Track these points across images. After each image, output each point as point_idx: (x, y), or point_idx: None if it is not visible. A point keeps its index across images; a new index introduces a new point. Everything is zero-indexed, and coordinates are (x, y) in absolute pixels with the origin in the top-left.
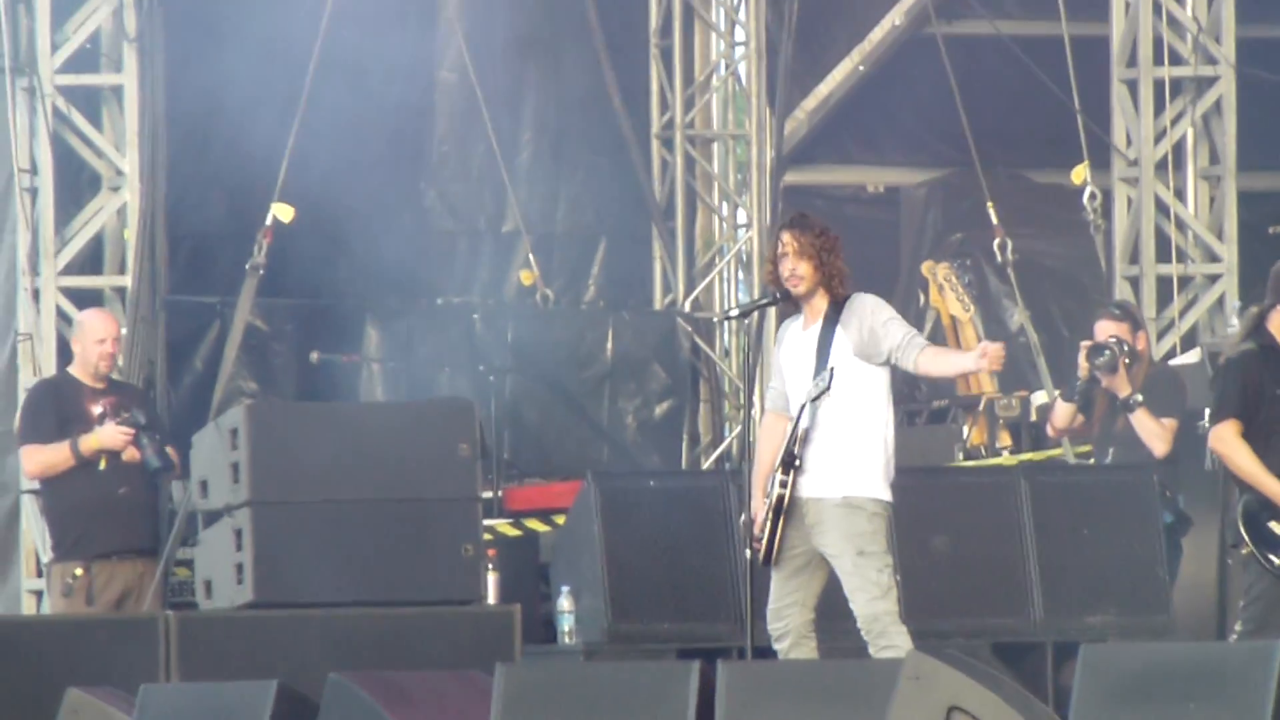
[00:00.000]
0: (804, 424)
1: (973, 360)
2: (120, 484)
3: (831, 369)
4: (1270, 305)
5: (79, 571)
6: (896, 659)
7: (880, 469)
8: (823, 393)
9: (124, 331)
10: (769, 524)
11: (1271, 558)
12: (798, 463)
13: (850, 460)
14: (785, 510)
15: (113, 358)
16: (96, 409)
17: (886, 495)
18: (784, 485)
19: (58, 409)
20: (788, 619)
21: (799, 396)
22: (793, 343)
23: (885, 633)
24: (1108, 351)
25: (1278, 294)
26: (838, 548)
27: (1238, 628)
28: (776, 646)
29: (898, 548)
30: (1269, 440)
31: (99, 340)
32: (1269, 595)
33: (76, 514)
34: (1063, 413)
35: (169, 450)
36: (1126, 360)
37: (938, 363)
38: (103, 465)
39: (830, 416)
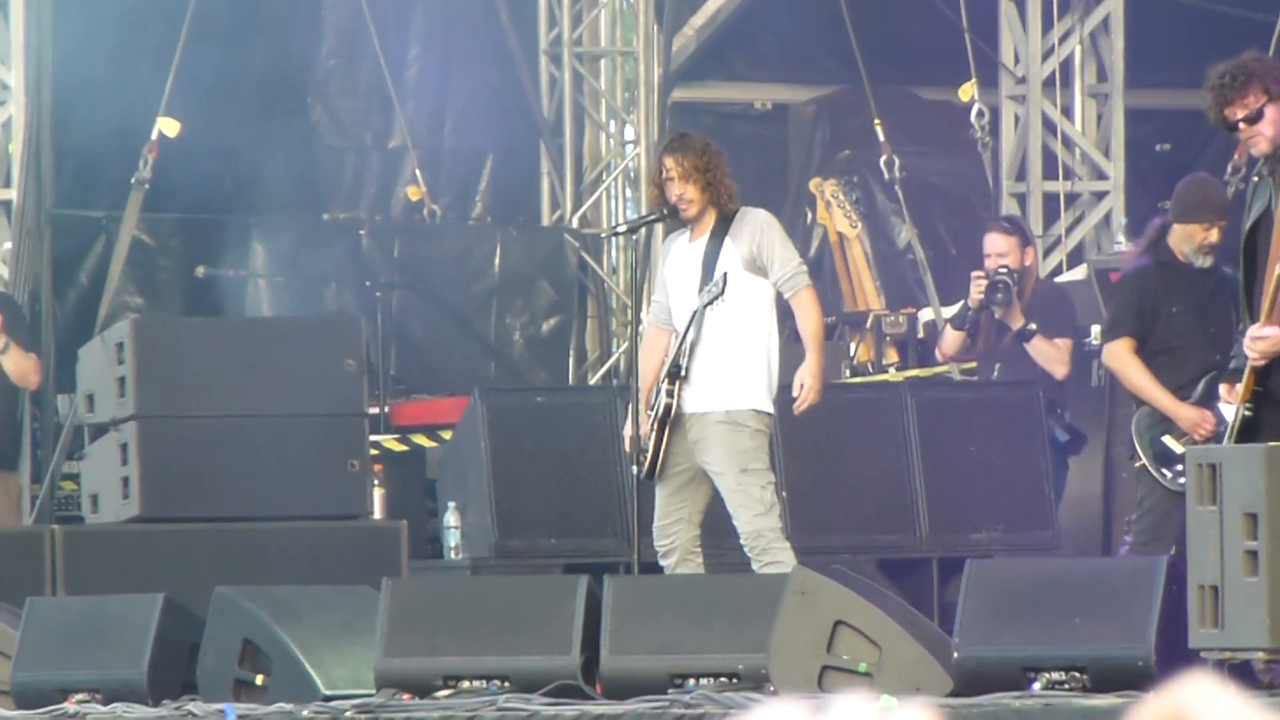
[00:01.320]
0: (690, 336)
1: (813, 363)
2: None
3: (725, 274)
4: (1171, 220)
5: None
6: (782, 574)
7: (764, 382)
8: (716, 298)
9: (7, 245)
10: (654, 436)
11: (1165, 471)
12: (684, 374)
13: (734, 374)
14: (670, 423)
15: None
16: None
17: (768, 407)
18: (670, 395)
19: None
20: (674, 535)
21: (684, 309)
22: (678, 256)
23: (769, 549)
24: (1001, 286)
25: (1176, 211)
26: (721, 465)
27: (1128, 539)
28: (663, 563)
29: (784, 464)
30: (1164, 357)
31: None
32: (1160, 508)
33: None
34: (952, 340)
35: (31, 356)
36: (1017, 290)
37: (803, 315)
38: None
39: (715, 329)
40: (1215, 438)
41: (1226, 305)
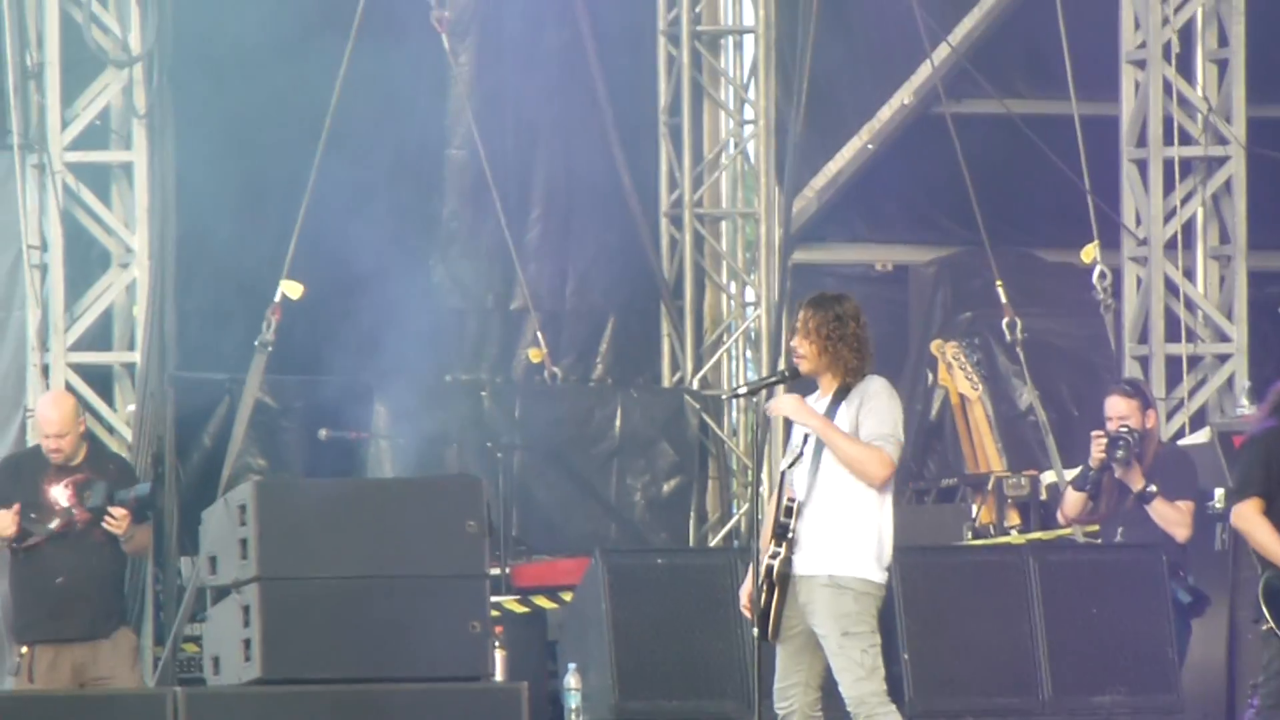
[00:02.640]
0: (799, 497)
1: (815, 418)
2: (58, 573)
3: (806, 436)
4: None
5: (24, 650)
6: None
7: (872, 549)
8: (796, 459)
9: (131, 408)
10: (764, 597)
11: None
12: (791, 535)
13: (840, 539)
14: (779, 584)
15: (61, 453)
16: (55, 488)
17: (876, 576)
18: (773, 557)
19: (15, 483)
20: (792, 699)
21: (800, 470)
22: None
23: (873, 714)
24: (1122, 444)
25: None
26: (825, 627)
27: (1254, 703)
28: None
29: (906, 626)
30: None
31: (45, 436)
32: None
33: (17, 596)
34: (1074, 501)
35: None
36: (1136, 451)
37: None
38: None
39: (824, 493)
40: None
41: None
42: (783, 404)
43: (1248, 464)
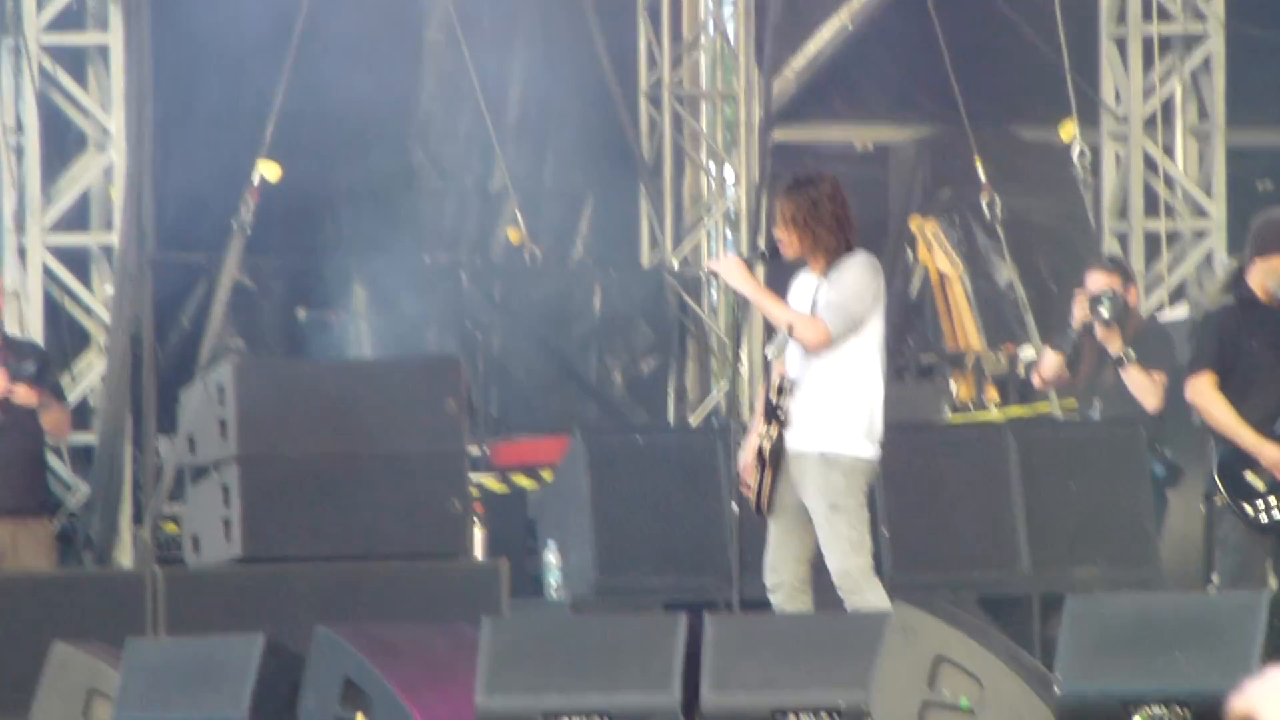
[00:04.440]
0: (791, 375)
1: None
2: None
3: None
4: (1249, 259)
5: None
6: (883, 610)
7: (862, 425)
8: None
9: (109, 290)
10: (757, 472)
11: (1246, 507)
12: (780, 414)
13: (830, 414)
14: (770, 461)
15: None
16: None
17: (867, 452)
18: (761, 436)
19: None
20: (782, 572)
21: (793, 346)
22: (797, 292)
23: (858, 588)
24: (1107, 300)
25: (1256, 248)
26: (814, 501)
27: (1215, 579)
28: (771, 599)
29: (885, 502)
30: (1245, 393)
31: None
32: (1245, 545)
33: None
34: (1051, 363)
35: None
36: (1121, 313)
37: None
38: None
39: (813, 369)
40: None
41: None
42: (721, 266)
43: (1201, 340)
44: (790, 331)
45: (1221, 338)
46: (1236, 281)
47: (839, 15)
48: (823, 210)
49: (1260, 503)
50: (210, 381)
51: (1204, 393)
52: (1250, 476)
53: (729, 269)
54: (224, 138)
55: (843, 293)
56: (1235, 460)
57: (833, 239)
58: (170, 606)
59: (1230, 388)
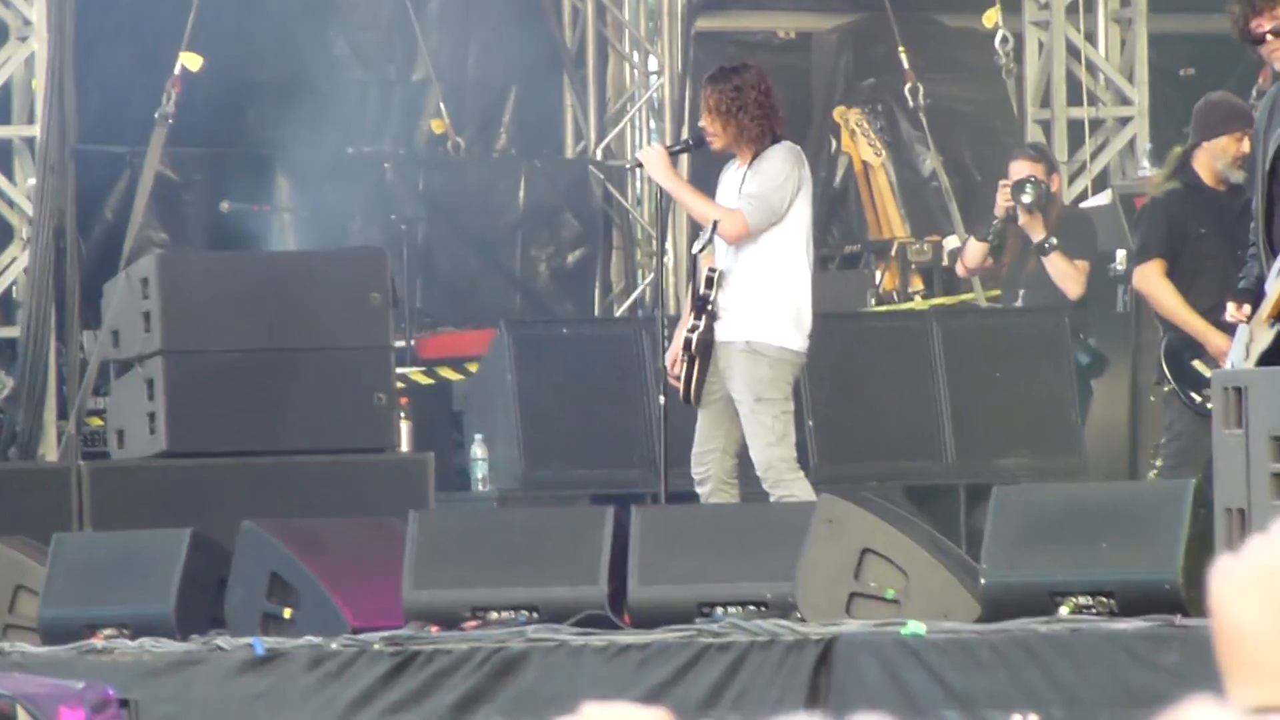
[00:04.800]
0: (719, 266)
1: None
2: None
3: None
4: (1195, 143)
5: None
6: (809, 502)
7: (789, 316)
8: (705, 245)
9: (31, 182)
10: (684, 363)
11: (1193, 395)
12: (710, 307)
13: (757, 305)
14: (698, 352)
15: None
16: None
17: (794, 343)
18: (691, 330)
19: None
20: (709, 464)
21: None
22: (724, 182)
23: (781, 480)
24: (1030, 187)
25: (1202, 129)
26: (740, 393)
27: (1157, 464)
28: (698, 490)
29: (810, 393)
30: (1193, 279)
31: None
32: (1189, 432)
33: None
34: (975, 251)
35: None
36: (1044, 200)
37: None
38: None
39: (741, 260)
40: None
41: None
42: (644, 157)
43: (1149, 226)
44: (710, 224)
45: (1169, 224)
46: (1182, 166)
47: None
48: (747, 99)
49: (1207, 390)
50: (134, 275)
51: (1152, 280)
52: (1197, 364)
53: (652, 160)
54: (146, 28)
55: (762, 184)
56: (1182, 348)
57: (757, 128)
58: (95, 501)
59: (1178, 274)
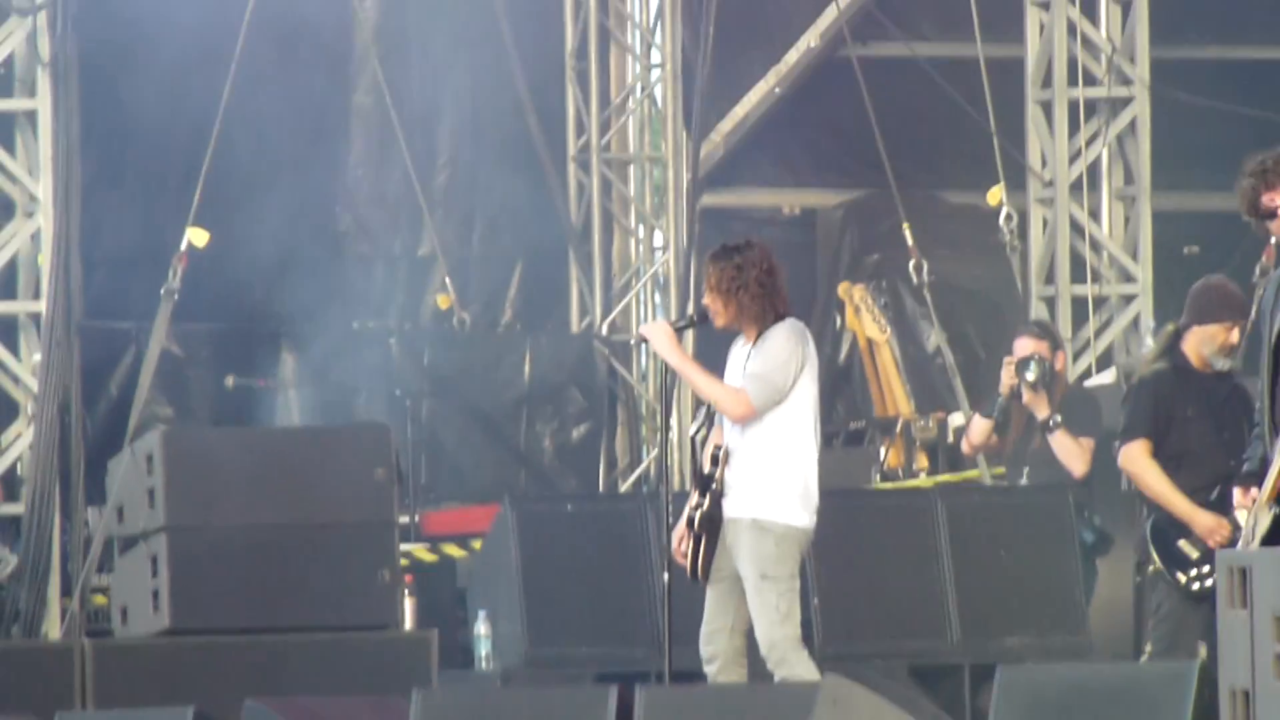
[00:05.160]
0: (726, 443)
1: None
2: None
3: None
4: (1186, 325)
5: None
6: (814, 682)
7: (795, 492)
8: (698, 430)
9: (37, 358)
10: (690, 540)
11: (1179, 576)
12: (714, 484)
13: (764, 482)
14: (703, 528)
15: None
16: None
17: (800, 520)
18: (695, 508)
19: None
20: (717, 643)
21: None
22: (732, 360)
23: (785, 659)
24: (1034, 365)
25: (1194, 314)
26: (746, 569)
27: (1148, 648)
28: (706, 669)
29: (815, 570)
30: (1180, 461)
31: None
32: (1178, 614)
33: None
34: (979, 429)
35: None
36: (1048, 379)
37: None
38: None
39: (747, 437)
40: (1231, 543)
41: (1239, 412)
42: (650, 332)
43: (1135, 406)
44: (714, 405)
45: (1156, 404)
46: (1171, 348)
47: (767, 79)
48: (748, 277)
49: (1194, 571)
50: (138, 451)
51: (1137, 460)
52: (1184, 545)
53: (657, 336)
54: (152, 204)
55: (766, 363)
56: (1169, 528)
57: (757, 306)
58: (99, 679)
59: (1164, 455)
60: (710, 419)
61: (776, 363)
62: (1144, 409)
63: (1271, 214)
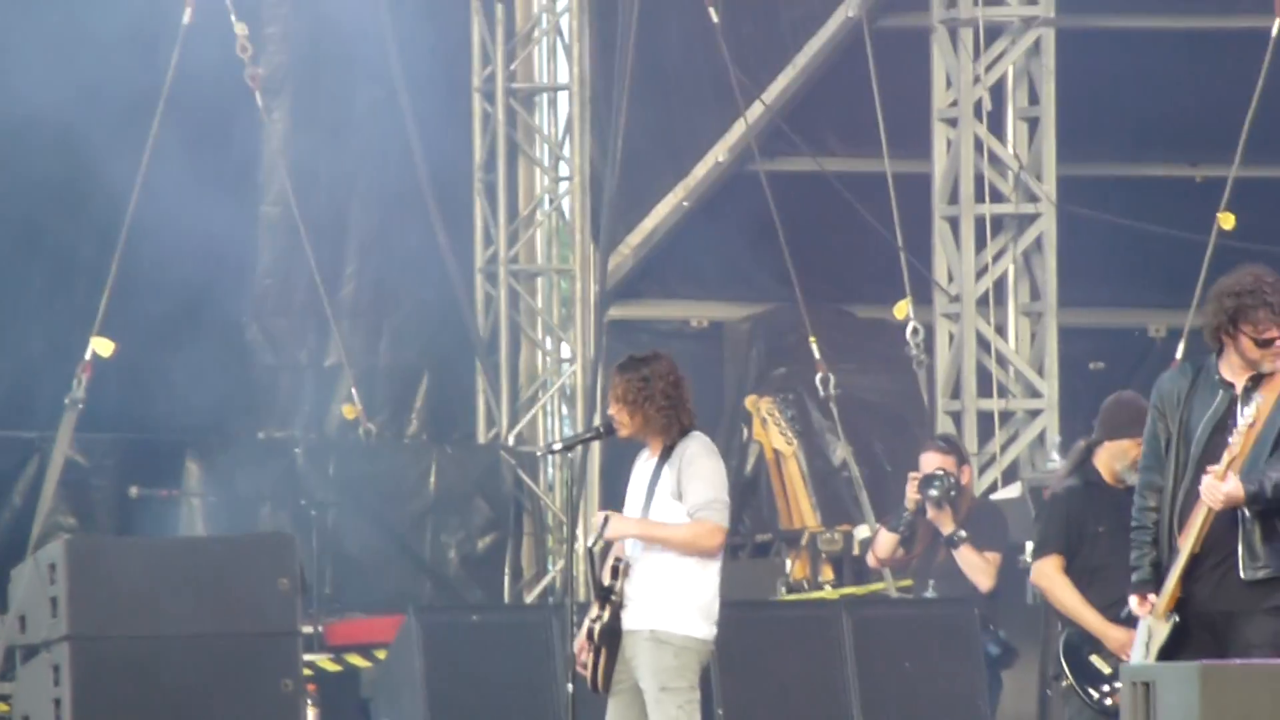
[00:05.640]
0: (627, 556)
1: (637, 526)
2: None
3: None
4: (1097, 440)
5: None
6: None
7: (695, 605)
8: (597, 539)
9: None
10: (589, 652)
11: (1091, 691)
12: (614, 596)
13: (663, 595)
14: (602, 641)
15: None
16: None
17: (700, 632)
18: (595, 620)
19: None
20: None
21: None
22: (636, 474)
23: None
24: (938, 482)
25: (1105, 429)
26: (646, 682)
27: None
28: None
29: (719, 681)
30: (1092, 576)
31: None
32: None
33: None
34: (885, 543)
35: None
36: (952, 493)
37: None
38: None
39: (649, 550)
40: None
41: None
42: (610, 530)
43: (1047, 522)
44: (689, 549)
45: (1068, 520)
46: (1083, 463)
47: (675, 192)
48: (655, 389)
49: (1106, 687)
50: (41, 560)
51: (1050, 576)
52: (1096, 660)
53: (615, 526)
54: (56, 314)
55: (707, 485)
56: (1081, 644)
57: (663, 418)
58: None
59: (1076, 570)
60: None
61: (716, 479)
62: (1056, 524)
63: (1268, 342)
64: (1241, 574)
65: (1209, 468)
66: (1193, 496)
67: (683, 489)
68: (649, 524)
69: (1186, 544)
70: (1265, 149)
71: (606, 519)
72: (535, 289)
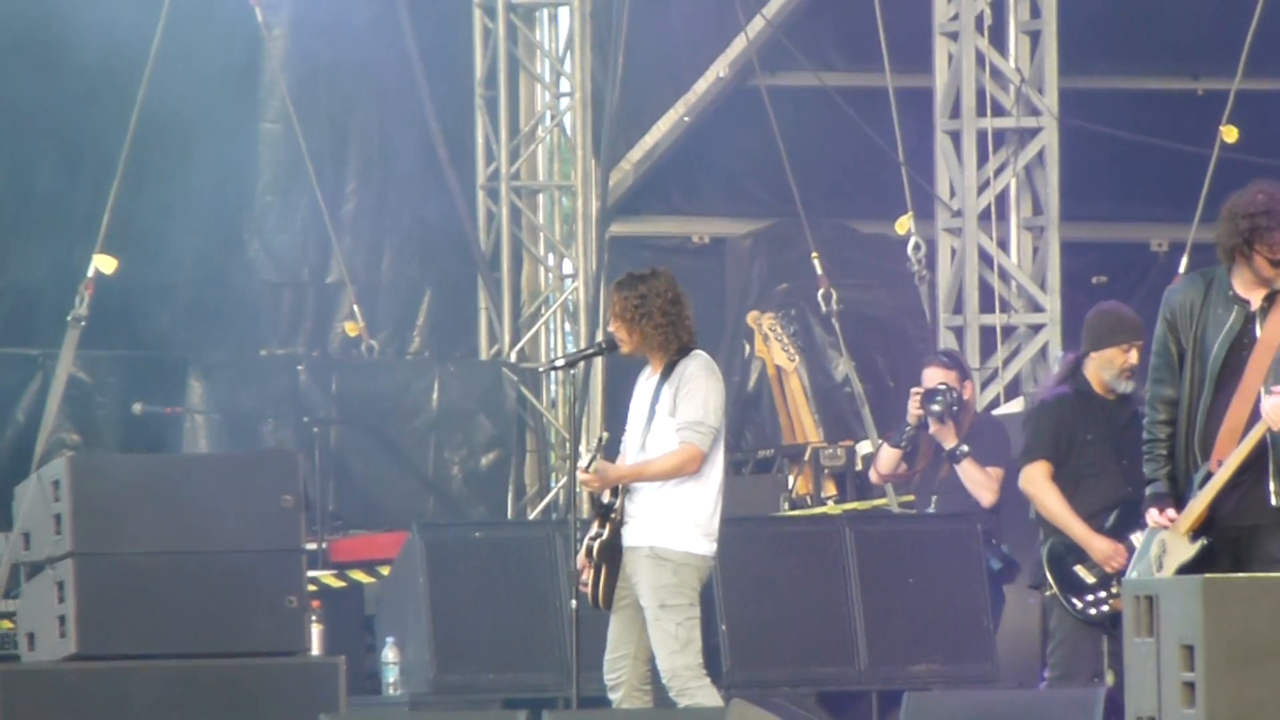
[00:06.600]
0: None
1: (624, 471)
2: None
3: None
4: (1086, 351)
5: None
6: (719, 708)
7: (694, 521)
8: (590, 462)
9: None
10: (590, 569)
11: (1074, 601)
12: (614, 514)
13: (663, 512)
14: (602, 557)
15: None
16: None
17: (699, 548)
18: (594, 538)
19: None
20: (621, 670)
21: (632, 446)
22: (638, 392)
23: (686, 689)
24: (940, 396)
25: (1090, 341)
26: (645, 599)
27: (1047, 673)
28: (610, 697)
29: (723, 598)
30: (1078, 485)
31: None
32: (1073, 639)
33: None
34: (887, 458)
35: None
36: (955, 408)
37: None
38: None
39: None
40: (1123, 570)
41: (1138, 438)
42: (599, 480)
43: (1036, 428)
44: (674, 476)
45: (1057, 427)
46: (1073, 373)
47: (676, 109)
48: (652, 306)
49: (1090, 596)
50: (45, 477)
51: (1036, 482)
52: (1080, 570)
53: (604, 475)
54: (59, 231)
55: (698, 409)
56: (1065, 552)
57: (661, 336)
58: (5, 704)
59: (1063, 478)
60: (598, 452)
61: (710, 407)
62: (1045, 431)
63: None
64: (1272, 500)
65: (1274, 388)
66: (1214, 414)
67: (677, 405)
68: (633, 468)
69: (1230, 464)
70: (1267, 61)
71: (593, 460)
72: (537, 205)
